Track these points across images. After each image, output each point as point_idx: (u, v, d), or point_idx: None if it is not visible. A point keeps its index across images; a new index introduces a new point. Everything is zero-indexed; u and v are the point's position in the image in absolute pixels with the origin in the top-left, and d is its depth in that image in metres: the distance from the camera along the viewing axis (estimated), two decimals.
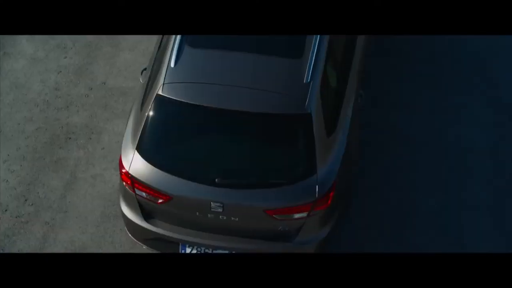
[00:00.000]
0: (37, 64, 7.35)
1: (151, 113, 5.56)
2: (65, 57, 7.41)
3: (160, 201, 5.52)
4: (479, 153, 6.72)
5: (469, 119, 6.93)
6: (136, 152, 5.55)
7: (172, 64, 5.65)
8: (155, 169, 5.46)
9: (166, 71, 5.63)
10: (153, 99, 5.58)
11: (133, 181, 5.52)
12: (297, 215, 5.52)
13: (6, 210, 6.39)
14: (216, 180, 5.40)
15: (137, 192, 5.57)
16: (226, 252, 5.67)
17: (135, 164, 5.53)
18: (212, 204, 5.42)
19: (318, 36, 5.76)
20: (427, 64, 7.33)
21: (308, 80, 5.57)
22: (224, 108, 5.43)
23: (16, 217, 6.36)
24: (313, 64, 5.63)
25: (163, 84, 5.58)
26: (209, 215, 5.49)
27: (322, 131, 5.55)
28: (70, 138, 6.85)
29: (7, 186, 6.52)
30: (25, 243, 6.21)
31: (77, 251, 6.20)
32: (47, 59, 7.38)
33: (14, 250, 6.17)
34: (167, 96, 5.51)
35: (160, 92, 5.56)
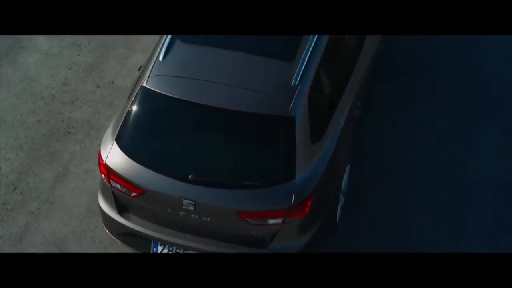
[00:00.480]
0: (50, 59, 7.37)
1: (133, 104, 5.46)
2: (79, 55, 7.41)
3: (133, 194, 5.38)
4: (485, 184, 6.40)
5: (478, 147, 6.59)
6: (115, 143, 5.44)
7: (160, 58, 5.55)
8: (131, 161, 5.34)
9: (153, 64, 5.53)
10: (137, 90, 5.48)
11: (109, 173, 5.41)
12: (271, 221, 5.28)
13: None
14: (190, 176, 5.23)
15: (113, 184, 5.44)
16: (197, 253, 5.45)
17: (113, 155, 5.42)
18: (184, 202, 5.25)
19: (315, 39, 5.57)
20: (441, 85, 7.05)
21: (296, 83, 5.37)
22: (205, 104, 5.29)
23: (2, 204, 6.32)
24: (304, 68, 5.44)
25: (149, 76, 5.48)
26: (181, 213, 5.32)
27: (306, 136, 5.33)
28: (69, 132, 6.81)
29: None
30: (6, 230, 6.15)
31: (57, 243, 6.10)
32: (60, 55, 7.40)
33: None
34: (151, 88, 5.40)
35: (144, 84, 5.45)
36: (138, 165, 5.32)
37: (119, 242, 5.69)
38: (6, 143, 6.70)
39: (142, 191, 5.32)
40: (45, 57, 7.39)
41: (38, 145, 6.71)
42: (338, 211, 6.05)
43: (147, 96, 5.39)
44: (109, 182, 5.45)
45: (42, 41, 7.50)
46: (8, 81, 7.17)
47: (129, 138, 5.37)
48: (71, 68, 7.31)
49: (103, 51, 7.47)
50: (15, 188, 6.43)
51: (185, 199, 5.23)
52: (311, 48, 5.55)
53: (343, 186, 6.02)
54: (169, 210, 5.31)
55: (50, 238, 6.14)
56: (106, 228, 5.68)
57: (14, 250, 6.04)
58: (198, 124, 5.30)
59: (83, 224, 6.21)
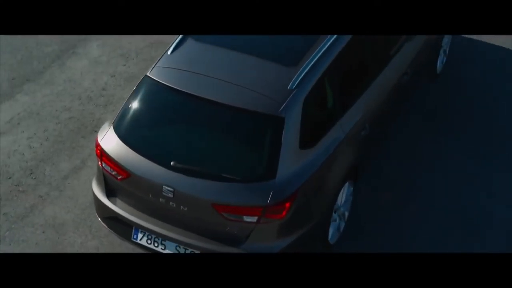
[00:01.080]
0: (97, 66, 7.71)
1: (134, 92, 5.61)
2: (124, 65, 7.72)
3: (120, 177, 5.47)
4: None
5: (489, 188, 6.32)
6: (111, 126, 5.59)
7: (169, 52, 5.71)
8: (122, 144, 5.46)
9: (161, 57, 5.70)
10: (141, 80, 5.65)
11: (102, 154, 5.54)
12: (246, 218, 5.21)
13: (9, 178, 6.62)
14: (171, 163, 5.27)
15: (104, 166, 5.56)
16: (175, 244, 5.44)
17: (107, 137, 5.56)
18: (164, 188, 5.28)
19: (324, 48, 5.58)
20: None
21: (293, 88, 5.37)
22: (199, 96, 5.37)
23: (16, 185, 6.56)
24: (305, 74, 5.44)
25: (154, 67, 5.64)
26: (160, 200, 5.35)
27: (294, 140, 5.28)
28: (95, 131, 7.04)
29: (21, 158, 6.78)
30: (12, 209, 6.36)
31: (55, 226, 6.24)
32: (107, 63, 7.73)
33: None
34: (153, 78, 5.55)
35: (148, 74, 5.61)
36: (127, 148, 5.41)
37: (106, 227, 5.74)
38: (35, 133, 6.99)
39: (128, 174, 5.39)
40: (93, 64, 7.72)
41: (63, 139, 6.96)
42: (331, 231, 5.86)
43: (148, 85, 5.53)
44: (101, 165, 5.56)
45: (94, 49, 7.86)
46: (53, 80, 7.53)
47: (124, 123, 5.50)
48: (114, 76, 7.59)
49: (147, 65, 7.73)
50: (31, 173, 6.66)
51: (165, 185, 5.26)
52: (317, 57, 5.54)
53: (339, 205, 5.85)
54: (150, 195, 5.34)
55: (50, 221, 6.29)
56: (96, 211, 5.77)
57: (13, 227, 6.21)
58: (190, 115, 5.37)
59: (84, 214, 6.33)
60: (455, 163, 6.69)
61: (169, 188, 5.24)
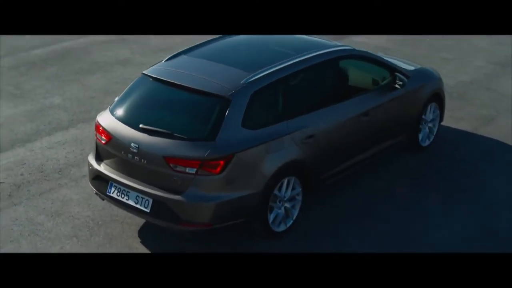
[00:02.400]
0: None
1: (130, 84, 7.40)
2: None
3: (104, 141, 7.11)
4: None
5: None
6: (108, 108, 7.34)
7: (163, 60, 7.54)
8: (110, 117, 7.14)
9: (157, 62, 7.54)
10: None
11: (97, 127, 7.25)
12: (188, 169, 6.61)
13: (41, 172, 8.37)
14: (140, 125, 6.88)
15: (97, 135, 7.25)
16: (136, 194, 6.85)
17: (104, 115, 7.27)
18: (132, 145, 6.85)
19: (286, 64, 7.19)
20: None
21: (246, 83, 6.93)
22: (172, 81, 7.05)
23: (44, 176, 8.28)
24: (258, 78, 7.01)
25: (149, 67, 7.46)
26: (129, 155, 6.88)
27: (237, 118, 6.72)
28: None
29: (56, 162, 8.54)
30: (35, 189, 8.00)
31: (63, 201, 7.77)
32: None
33: (23, 190, 7.95)
34: (145, 73, 7.33)
35: (144, 71, 7.42)
36: (114, 119, 7.08)
37: (94, 190, 7.27)
38: (73, 150, 8.80)
39: (110, 136, 7.02)
40: None
41: None
42: (272, 216, 7.04)
43: (140, 79, 7.28)
44: (96, 135, 7.24)
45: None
46: None
47: (117, 104, 7.22)
48: None
49: None
50: (59, 171, 8.39)
51: (133, 142, 6.82)
52: (275, 69, 7.10)
53: (283, 196, 7.06)
54: (122, 152, 6.89)
55: (60, 197, 7.87)
56: (88, 176, 7.34)
57: (31, 197, 7.81)
58: (163, 94, 7.02)
59: (89, 196, 7.88)
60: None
61: (135, 144, 6.77)
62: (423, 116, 8.71)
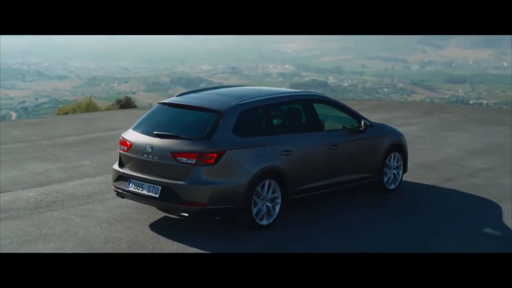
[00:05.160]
0: None
1: (148, 111, 9.62)
2: None
3: (125, 148, 9.21)
4: None
5: None
6: (131, 128, 9.51)
7: (176, 94, 9.79)
8: (132, 131, 9.26)
9: (172, 97, 9.78)
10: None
11: (121, 140, 9.38)
12: (189, 160, 8.63)
13: (72, 196, 10.39)
14: (154, 133, 9.02)
15: (120, 147, 9.36)
16: (148, 185, 8.84)
17: (127, 132, 9.34)
18: (147, 147, 8.94)
19: (269, 96, 9.36)
20: None
21: (236, 105, 9.08)
22: (182, 103, 9.25)
23: (75, 198, 10.29)
24: (246, 102, 9.16)
25: (165, 99, 9.70)
26: (144, 155, 8.94)
27: (229, 126, 8.72)
28: None
29: (85, 189, 10.59)
30: (65, 204, 10.00)
31: (87, 210, 9.72)
32: None
33: (58, 204, 9.74)
34: (162, 102, 9.56)
35: (159, 102, 9.64)
36: (134, 132, 9.18)
37: (115, 190, 9.25)
38: (104, 183, 10.84)
39: (130, 144, 9.12)
40: None
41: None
42: (255, 210, 8.92)
43: (157, 107, 9.46)
44: (120, 147, 9.35)
45: None
46: None
47: (137, 123, 9.34)
48: None
49: None
50: (87, 196, 10.29)
51: (148, 145, 8.91)
52: (258, 99, 9.30)
53: (265, 195, 8.84)
54: (140, 154, 8.95)
55: (87, 208, 9.69)
56: (112, 180, 9.34)
57: (63, 210, 9.71)
58: (173, 113, 9.11)
59: (112, 209, 9.79)
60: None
61: (150, 146, 8.84)
62: (387, 162, 10.66)
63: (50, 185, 10.73)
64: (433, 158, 13.16)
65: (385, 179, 10.60)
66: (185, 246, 8.27)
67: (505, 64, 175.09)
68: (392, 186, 10.74)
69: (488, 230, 9.20)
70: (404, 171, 11.04)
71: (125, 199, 9.24)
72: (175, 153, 8.50)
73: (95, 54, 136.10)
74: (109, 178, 10.73)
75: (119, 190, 8.98)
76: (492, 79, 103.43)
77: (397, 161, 10.82)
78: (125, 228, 8.85)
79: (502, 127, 16.93)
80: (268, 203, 8.91)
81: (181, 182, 8.43)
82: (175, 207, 8.48)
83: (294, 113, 9.56)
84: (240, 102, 8.97)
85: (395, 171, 10.78)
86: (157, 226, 8.94)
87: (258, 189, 8.76)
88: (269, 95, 9.43)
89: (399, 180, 10.86)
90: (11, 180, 10.96)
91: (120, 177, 9.00)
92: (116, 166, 9.12)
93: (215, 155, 8.43)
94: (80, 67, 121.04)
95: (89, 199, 10.06)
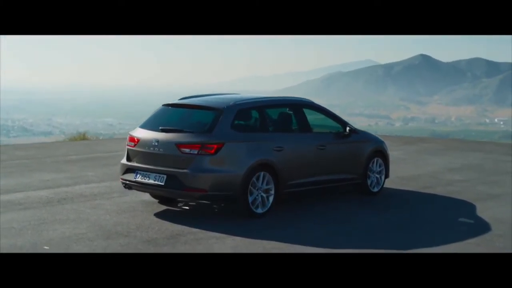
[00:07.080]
0: None
1: (153, 112, 10.61)
2: None
3: (133, 144, 10.15)
4: None
5: None
6: (138, 126, 10.47)
7: (178, 99, 10.81)
8: (139, 129, 10.21)
9: (178, 99, 10.78)
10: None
11: (129, 137, 10.31)
12: (192, 151, 9.56)
13: (80, 194, 11.28)
14: (159, 128, 9.99)
15: (128, 143, 10.31)
16: (154, 174, 9.76)
17: (135, 130, 10.32)
18: (153, 140, 9.89)
19: (265, 99, 10.41)
20: None
21: (234, 104, 10.07)
22: (186, 103, 10.23)
23: (83, 196, 11.17)
24: (243, 103, 10.14)
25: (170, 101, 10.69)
26: (151, 148, 9.88)
27: (228, 122, 9.67)
28: None
29: (91, 190, 11.46)
30: (75, 199, 10.88)
31: (95, 204, 10.59)
32: None
33: (68, 200, 10.55)
34: (166, 104, 10.54)
35: (163, 104, 10.65)
36: (141, 129, 10.12)
37: (123, 182, 10.13)
38: (109, 187, 11.75)
39: (138, 139, 10.07)
40: None
41: (119, 192, 11.62)
42: (251, 199, 9.83)
43: (161, 108, 10.42)
44: (127, 144, 10.30)
45: None
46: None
47: (143, 122, 10.27)
48: None
49: None
50: (95, 195, 11.11)
51: (154, 139, 9.87)
52: (254, 100, 10.32)
53: (260, 186, 9.69)
54: (146, 148, 9.89)
55: (96, 203, 10.52)
56: (120, 174, 10.25)
57: (73, 204, 10.59)
58: (177, 112, 10.06)
59: (118, 204, 10.68)
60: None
61: (156, 139, 9.79)
62: (370, 166, 11.65)
63: (59, 188, 11.56)
64: (414, 173, 14.13)
65: (369, 182, 11.54)
66: (188, 227, 9.07)
67: (487, 120, 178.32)
68: (376, 189, 11.67)
69: (462, 219, 10.10)
70: (386, 176, 11.98)
71: (130, 197, 10.10)
72: (179, 145, 9.43)
73: (79, 110, 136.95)
74: (114, 184, 11.64)
75: (127, 182, 9.85)
76: (474, 135, 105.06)
77: (379, 166, 11.78)
78: (132, 216, 9.70)
79: (479, 153, 17.97)
80: (262, 194, 9.80)
81: (185, 171, 9.33)
82: (179, 193, 9.36)
83: (286, 115, 10.56)
84: (238, 102, 9.96)
85: (377, 175, 11.73)
86: (161, 214, 9.80)
87: (254, 179, 9.66)
88: (263, 98, 10.43)
89: (381, 184, 11.80)
90: (21, 184, 11.77)
91: (128, 170, 9.89)
92: (124, 161, 10.03)
93: (215, 146, 9.36)
94: (64, 123, 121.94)
95: (96, 197, 10.89)
